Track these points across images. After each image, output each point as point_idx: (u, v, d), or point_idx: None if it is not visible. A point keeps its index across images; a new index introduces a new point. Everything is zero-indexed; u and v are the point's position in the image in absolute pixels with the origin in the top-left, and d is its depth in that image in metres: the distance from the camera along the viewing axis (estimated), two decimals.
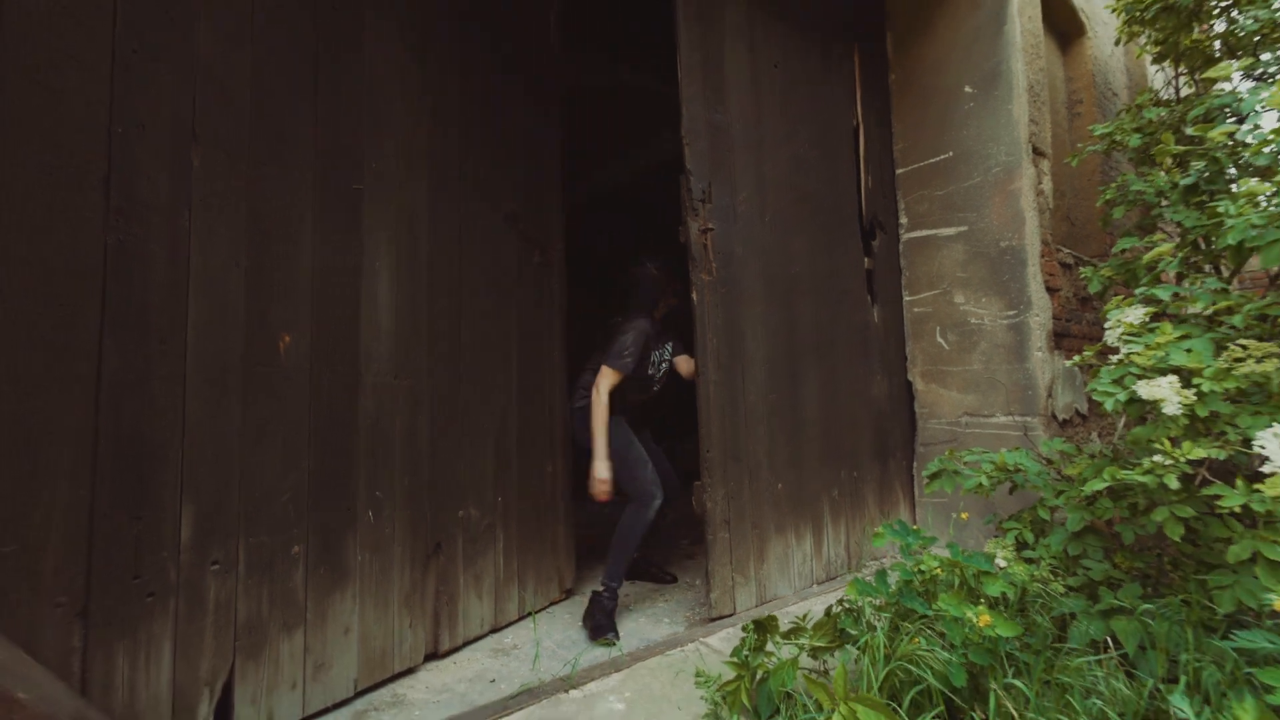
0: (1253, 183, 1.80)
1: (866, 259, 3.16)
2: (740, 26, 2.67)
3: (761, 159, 2.67)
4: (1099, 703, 1.16)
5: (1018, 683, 1.24)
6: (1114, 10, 2.86)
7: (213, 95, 1.47)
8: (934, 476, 2.15)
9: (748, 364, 2.46)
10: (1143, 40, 2.93)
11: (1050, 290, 3.08)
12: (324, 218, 1.68)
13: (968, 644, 1.28)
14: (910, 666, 1.28)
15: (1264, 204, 1.72)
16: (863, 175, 3.23)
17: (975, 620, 1.29)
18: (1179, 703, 1.14)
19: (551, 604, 2.42)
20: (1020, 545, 1.93)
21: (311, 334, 1.62)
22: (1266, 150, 1.78)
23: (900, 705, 1.22)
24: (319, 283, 1.66)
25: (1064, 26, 3.95)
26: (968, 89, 3.15)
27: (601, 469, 2.21)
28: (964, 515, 2.84)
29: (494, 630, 2.11)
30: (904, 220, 3.38)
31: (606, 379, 2.26)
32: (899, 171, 3.42)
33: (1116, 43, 3.11)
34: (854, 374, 2.97)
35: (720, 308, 2.38)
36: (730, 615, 2.24)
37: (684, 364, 2.61)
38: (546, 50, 2.57)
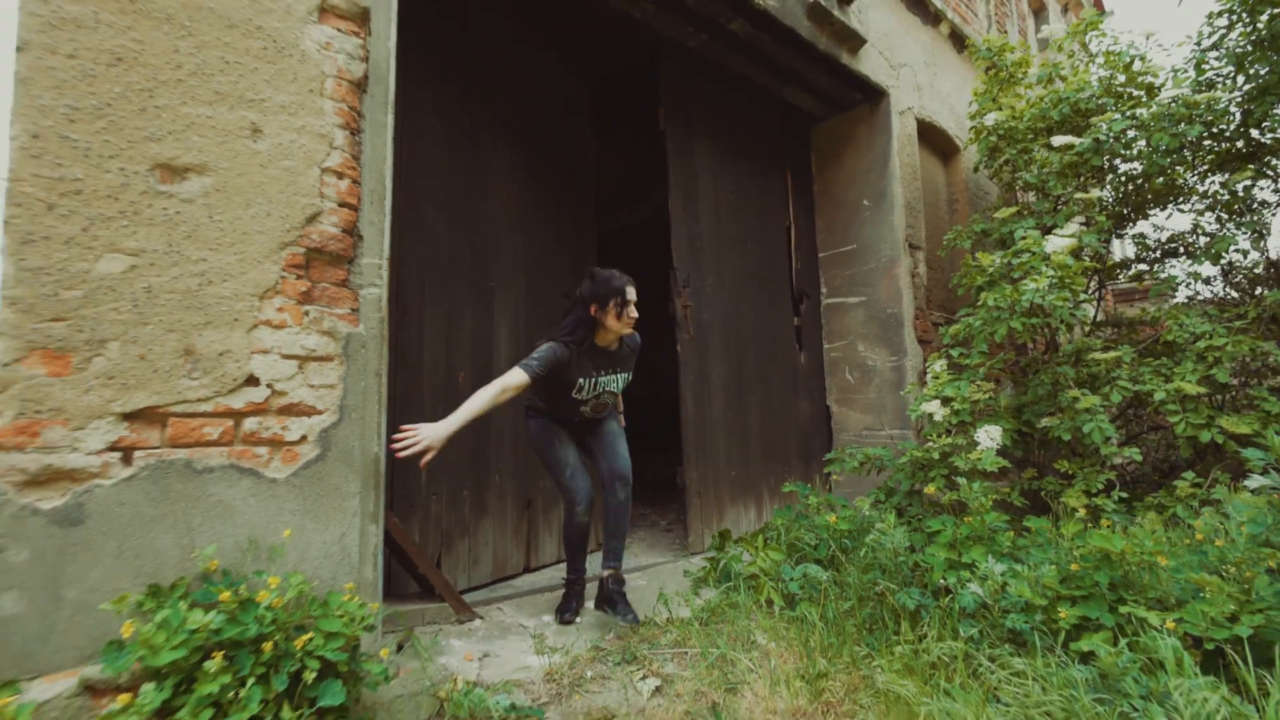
0: (1005, 288, 3.21)
1: (795, 318, 4.54)
2: (707, 165, 4.04)
3: (721, 253, 4.02)
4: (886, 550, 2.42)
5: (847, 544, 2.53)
6: (967, 145, 4.34)
7: (429, 245, 2.73)
8: (829, 462, 3.48)
9: (712, 391, 3.77)
10: (985, 170, 4.42)
11: (923, 342, 4.50)
12: (474, 303, 2.93)
13: (825, 531, 2.58)
14: (795, 544, 2.56)
15: (995, 301, 3.10)
16: (793, 259, 4.63)
17: (830, 523, 2.59)
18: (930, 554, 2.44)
19: (595, 550, 3.63)
20: (876, 502, 3.26)
21: (470, 370, 2.86)
22: (1013, 268, 3.17)
23: (791, 557, 2.51)
24: (473, 341, 2.90)
25: (944, 147, 5.46)
26: (865, 202, 4.59)
27: (432, 435, 1.90)
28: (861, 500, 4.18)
29: (559, 561, 3.32)
30: (824, 290, 4.79)
31: (508, 375, 2.13)
32: (821, 255, 4.83)
33: (975, 169, 4.62)
34: (785, 400, 4.31)
35: (695, 354, 3.69)
36: (700, 552, 3.50)
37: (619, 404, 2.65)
38: (587, 175, 3.88)
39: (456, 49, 3.05)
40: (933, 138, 5.16)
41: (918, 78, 4.81)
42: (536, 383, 2.19)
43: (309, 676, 1.30)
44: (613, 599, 2.33)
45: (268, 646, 1.31)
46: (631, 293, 2.33)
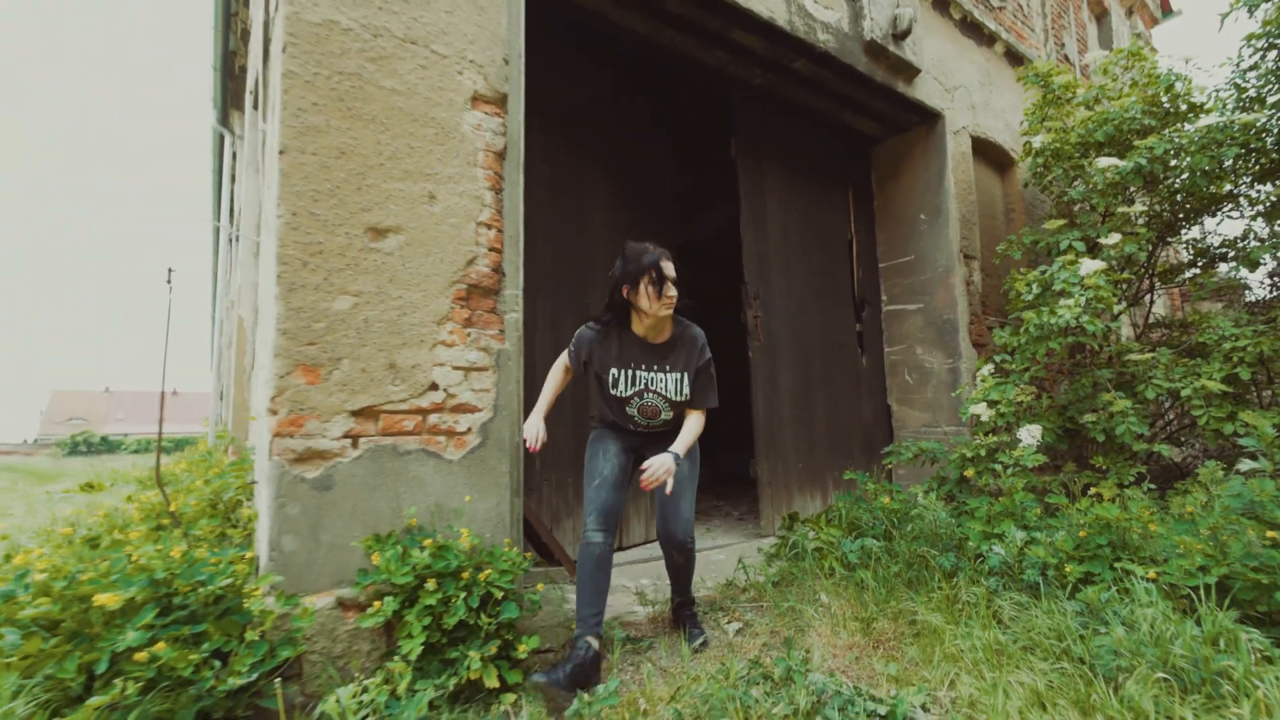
0: (1044, 311, 3.46)
1: (857, 325, 4.87)
2: (774, 186, 4.44)
3: (788, 267, 4.41)
4: (929, 524, 2.76)
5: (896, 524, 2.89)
6: (1021, 159, 4.57)
7: (539, 269, 3.26)
8: (887, 455, 3.82)
9: (781, 393, 4.16)
10: (1035, 186, 4.62)
11: (978, 345, 4.74)
12: (574, 318, 3.45)
13: (880, 511, 2.94)
14: (854, 523, 2.94)
15: (1037, 321, 3.35)
16: (855, 270, 4.95)
17: (885, 504, 2.95)
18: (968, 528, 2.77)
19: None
20: (928, 490, 3.57)
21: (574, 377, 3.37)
22: (1055, 286, 3.43)
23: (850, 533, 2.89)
24: None
25: (1000, 160, 5.64)
26: (922, 217, 4.87)
27: (534, 425, 2.11)
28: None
29: (646, 542, 3.79)
30: (885, 298, 5.08)
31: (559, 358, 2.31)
32: (881, 265, 5.13)
33: (1025, 185, 4.82)
34: (848, 400, 4.65)
35: (765, 360, 4.10)
36: (771, 535, 3.90)
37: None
38: (667, 198, 4.36)
39: (562, 102, 3.59)
40: (988, 152, 5.36)
41: (972, 98, 5.04)
42: (576, 367, 2.18)
43: (497, 594, 1.82)
44: (682, 620, 2.26)
45: (465, 575, 1.83)
46: (668, 268, 2.00)
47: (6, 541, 2.20)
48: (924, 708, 1.55)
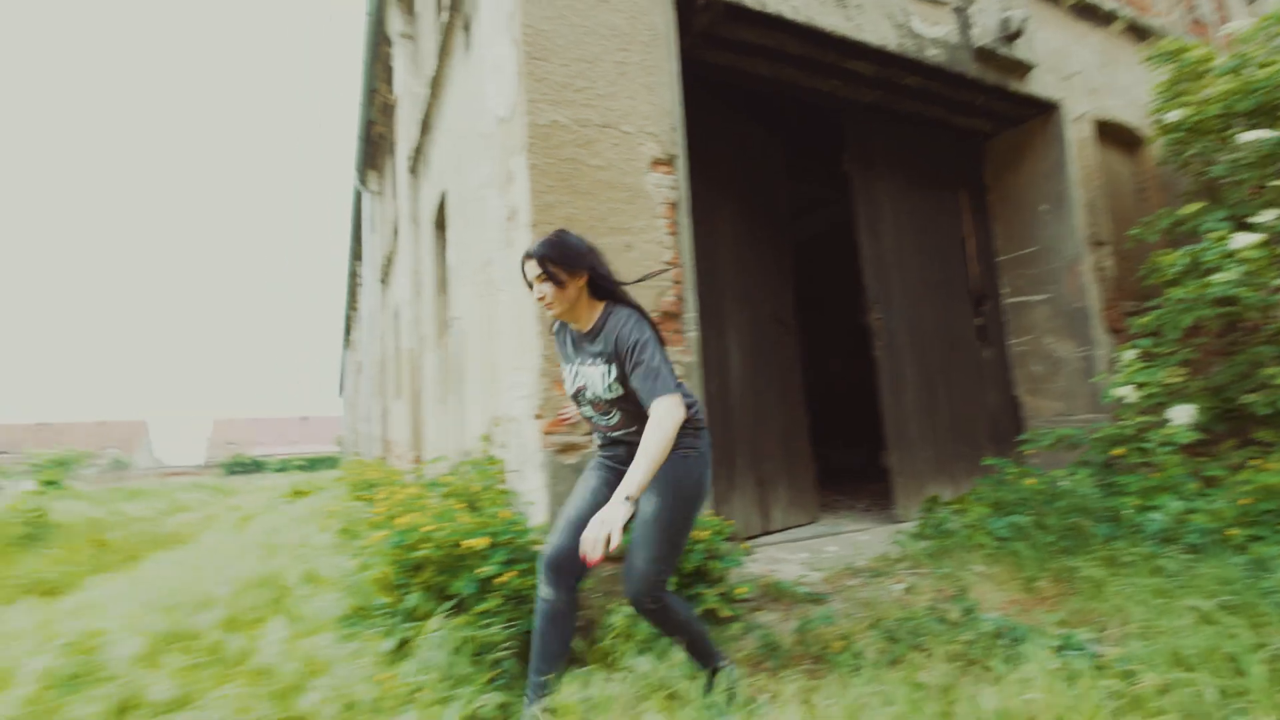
0: (1191, 284, 3.55)
1: (977, 318, 5.06)
2: (886, 191, 4.76)
3: (904, 268, 4.71)
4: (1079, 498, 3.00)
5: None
6: (1152, 139, 4.61)
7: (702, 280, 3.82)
8: (1022, 443, 4.04)
9: (904, 388, 4.48)
10: (1171, 164, 4.62)
11: (1114, 331, 4.79)
12: (713, 332, 3.97)
13: (1026, 491, 3.23)
14: (998, 503, 3.25)
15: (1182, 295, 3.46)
16: (970, 264, 5.14)
17: (1029, 484, 3.24)
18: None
19: (804, 524, 4.52)
20: (1071, 472, 3.77)
21: (717, 383, 3.90)
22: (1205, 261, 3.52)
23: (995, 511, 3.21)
24: (716, 361, 3.94)
25: (1128, 139, 5.58)
26: (1044, 207, 4.99)
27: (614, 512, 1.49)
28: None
29: (787, 528, 4.25)
30: (1005, 290, 5.22)
31: None
32: (1000, 259, 5.27)
33: (1159, 164, 4.84)
34: (971, 391, 4.86)
35: (888, 357, 4.43)
36: (903, 521, 4.22)
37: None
38: (781, 214, 4.80)
39: (693, 138, 4.14)
40: (1114, 132, 5.34)
41: (1092, 81, 5.08)
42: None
43: (722, 549, 2.37)
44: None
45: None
46: (528, 269, 1.76)
47: (375, 511, 2.98)
48: (1094, 642, 1.91)
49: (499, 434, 3.14)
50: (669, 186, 3.01)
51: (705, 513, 2.76)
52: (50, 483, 12.32)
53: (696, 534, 2.48)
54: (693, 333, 2.96)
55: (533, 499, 2.60)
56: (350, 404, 29.81)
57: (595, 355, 1.76)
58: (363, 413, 16.59)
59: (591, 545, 1.43)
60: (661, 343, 1.73)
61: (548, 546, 1.77)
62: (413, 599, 2.27)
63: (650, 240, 2.91)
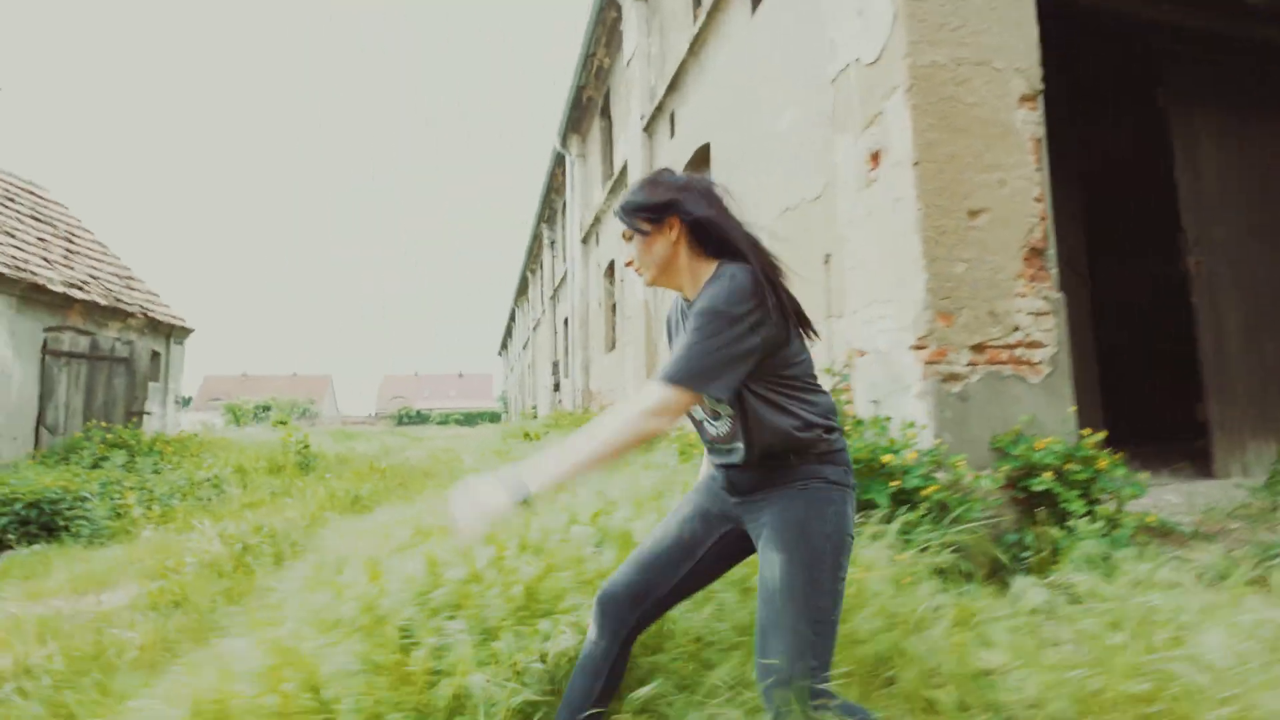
0: None
1: None
2: (1206, 126, 4.34)
3: (1227, 208, 4.30)
4: None
5: None
6: None
7: None
8: None
9: (1226, 336, 4.14)
10: None
11: None
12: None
13: None
14: None
15: None
16: None
17: None
18: None
19: None
20: None
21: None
22: None
23: None
24: None
25: None
26: None
27: None
28: None
29: None
30: None
31: None
32: None
33: None
34: None
35: (1208, 304, 4.11)
36: (1227, 477, 3.96)
37: None
38: (1072, 144, 4.54)
39: None
40: None
41: None
42: None
43: (1113, 469, 2.46)
44: None
45: (1068, 466, 2.50)
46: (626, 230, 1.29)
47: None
48: None
49: (843, 368, 3.38)
50: (1035, 123, 3.01)
51: (1074, 443, 2.81)
52: (281, 423, 14.63)
53: (1073, 463, 2.55)
54: (1054, 269, 2.98)
55: (922, 423, 2.79)
56: (513, 362, 31.99)
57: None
58: (542, 369, 17.95)
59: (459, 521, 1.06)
60: (762, 310, 1.12)
61: (611, 582, 1.35)
62: None
63: (1020, 176, 2.94)
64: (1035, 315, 2.90)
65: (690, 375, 1.09)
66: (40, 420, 7.26)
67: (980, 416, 2.77)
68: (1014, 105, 2.98)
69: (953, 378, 2.77)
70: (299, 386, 61.04)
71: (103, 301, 8.32)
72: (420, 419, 46.01)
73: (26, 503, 4.98)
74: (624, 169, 8.74)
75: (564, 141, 12.33)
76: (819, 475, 1.20)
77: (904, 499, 2.51)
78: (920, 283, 2.79)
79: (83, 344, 7.90)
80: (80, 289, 8.06)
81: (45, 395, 7.32)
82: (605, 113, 10.87)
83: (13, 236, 7.89)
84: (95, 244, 10.07)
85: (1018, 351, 2.86)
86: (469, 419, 43.62)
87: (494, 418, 40.96)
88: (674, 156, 6.66)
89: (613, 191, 9.69)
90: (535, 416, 17.45)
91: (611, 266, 10.14)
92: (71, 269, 8.47)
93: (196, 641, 2.30)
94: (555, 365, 15.63)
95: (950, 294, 2.79)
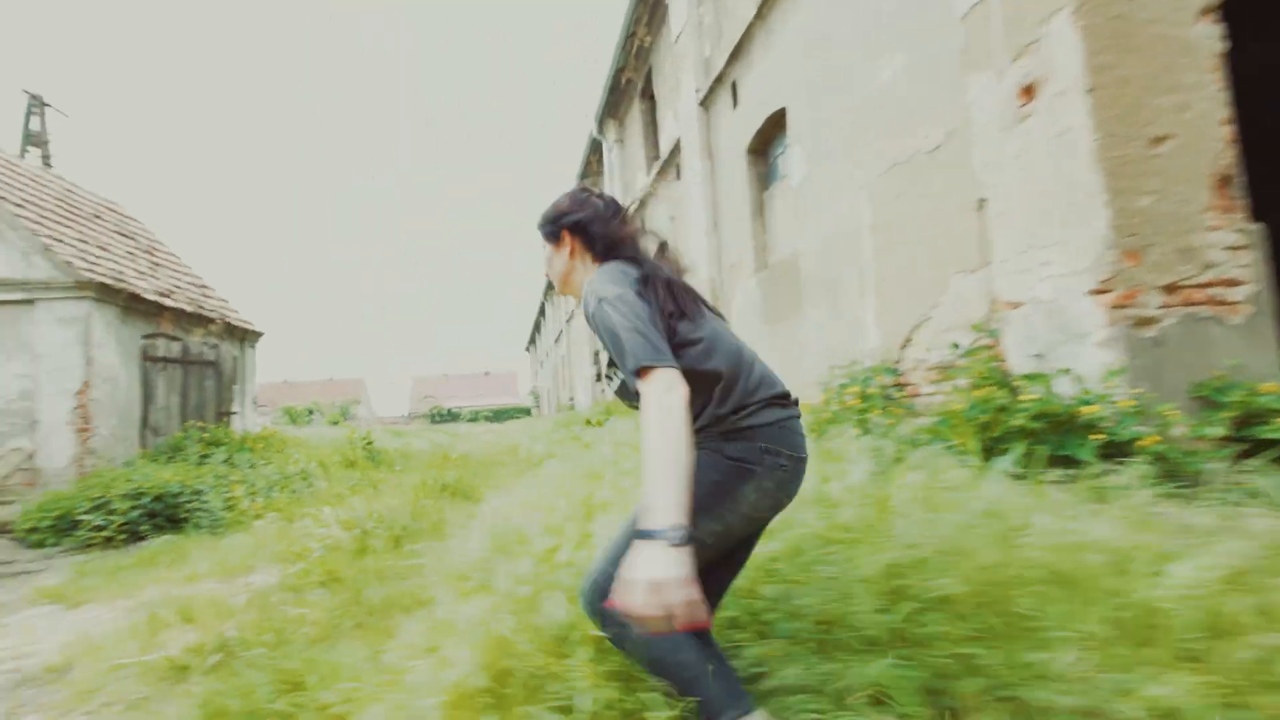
0: None
1: None
2: None
3: None
4: None
5: None
6: None
7: None
8: None
9: None
10: None
11: None
12: None
13: None
14: None
15: None
16: None
17: None
18: None
19: None
20: None
21: None
22: None
23: None
24: None
25: None
26: None
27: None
28: None
29: None
30: None
31: None
32: None
33: None
34: None
35: None
36: None
37: None
38: None
39: None
40: None
41: None
42: None
43: None
44: None
45: None
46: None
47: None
48: None
49: (991, 321, 3.12)
50: (1215, 38, 2.70)
51: None
52: (334, 422, 14.89)
53: None
54: (1244, 199, 2.67)
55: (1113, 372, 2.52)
56: (542, 357, 32.15)
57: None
58: (579, 361, 17.81)
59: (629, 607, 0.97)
60: (651, 287, 1.24)
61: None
62: (1005, 460, 2.36)
63: (1204, 97, 2.64)
64: (1231, 250, 2.60)
65: (645, 354, 1.11)
66: (145, 422, 7.52)
67: (1176, 363, 2.49)
68: (1193, 19, 2.67)
69: (1144, 321, 2.49)
70: (335, 390, 62.14)
71: (189, 309, 8.58)
72: (451, 417, 46.69)
73: (153, 496, 5.27)
74: (675, 148, 8.48)
75: (600, 128, 12.11)
76: (719, 450, 1.21)
77: (1112, 453, 2.26)
78: (1102, 220, 2.51)
79: (175, 349, 8.16)
80: (168, 297, 8.26)
81: (147, 398, 7.57)
82: (646, 94, 10.61)
83: (108, 251, 8.10)
84: (170, 256, 10.34)
85: (1213, 291, 2.57)
86: (498, 415, 44.09)
87: (523, 413, 41.24)
88: (738, 127, 6.39)
89: (660, 174, 9.45)
90: (573, 408, 17.33)
91: (663, 248, 9.90)
92: (157, 279, 8.66)
93: (354, 618, 2.24)
94: (596, 355, 15.47)
95: (1137, 230, 2.51)
